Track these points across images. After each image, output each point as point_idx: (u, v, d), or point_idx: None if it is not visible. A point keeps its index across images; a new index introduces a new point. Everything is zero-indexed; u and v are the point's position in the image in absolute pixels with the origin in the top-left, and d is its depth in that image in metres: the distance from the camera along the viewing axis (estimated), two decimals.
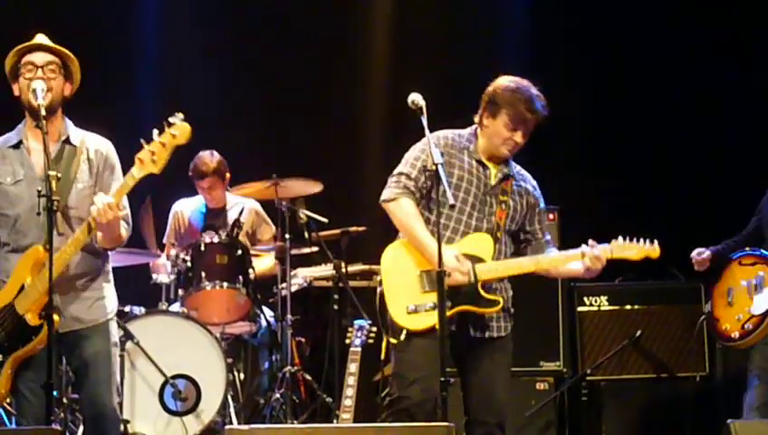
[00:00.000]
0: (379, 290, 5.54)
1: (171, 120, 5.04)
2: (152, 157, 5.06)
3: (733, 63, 8.41)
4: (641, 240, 5.54)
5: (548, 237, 5.74)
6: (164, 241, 8.19)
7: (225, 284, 7.55)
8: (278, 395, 7.53)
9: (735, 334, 6.12)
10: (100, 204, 5.08)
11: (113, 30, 8.99)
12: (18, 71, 5.30)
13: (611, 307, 7.58)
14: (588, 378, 7.47)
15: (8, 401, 6.19)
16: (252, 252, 7.79)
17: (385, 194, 5.59)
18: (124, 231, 5.33)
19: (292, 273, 7.74)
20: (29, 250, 5.19)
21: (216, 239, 7.64)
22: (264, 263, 8.03)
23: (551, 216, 7.54)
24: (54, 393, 5.30)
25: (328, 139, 8.64)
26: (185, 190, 8.08)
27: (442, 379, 5.06)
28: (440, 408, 5.15)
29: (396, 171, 5.60)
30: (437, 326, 5.20)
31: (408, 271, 5.46)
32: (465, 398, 5.54)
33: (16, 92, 5.33)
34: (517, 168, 5.66)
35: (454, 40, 9.13)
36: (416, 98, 5.39)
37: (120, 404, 6.94)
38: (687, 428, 7.12)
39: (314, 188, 7.73)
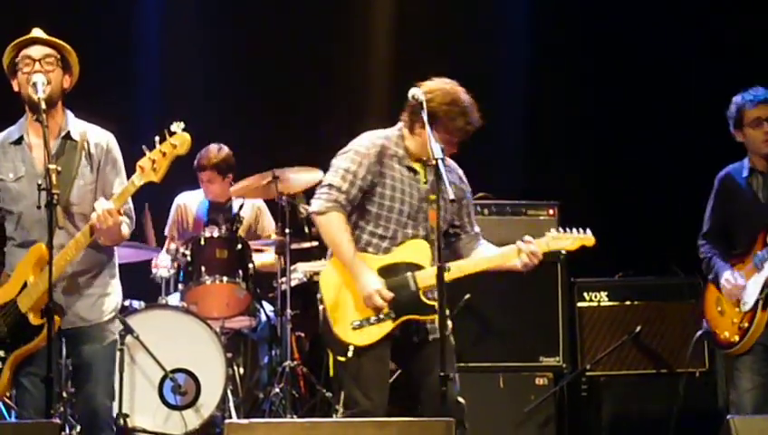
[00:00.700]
0: (321, 309, 5.53)
1: (173, 128, 5.08)
2: (153, 165, 5.09)
3: (734, 62, 8.40)
4: (576, 230, 5.56)
5: (477, 230, 5.72)
6: (165, 233, 8.20)
7: (225, 278, 7.56)
8: (277, 390, 7.53)
9: (736, 338, 6.09)
10: (100, 210, 5.09)
11: (113, 23, 8.98)
12: (16, 66, 5.31)
13: (611, 303, 7.58)
14: (587, 373, 7.47)
15: (7, 394, 6.21)
16: (252, 246, 7.80)
17: (314, 205, 5.55)
18: (126, 228, 5.34)
19: (292, 267, 7.74)
20: (32, 248, 5.20)
21: (215, 234, 7.64)
22: (265, 256, 8.03)
23: (550, 211, 7.54)
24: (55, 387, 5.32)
25: (327, 131, 8.63)
26: (186, 183, 8.07)
27: (441, 374, 5.06)
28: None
29: (326, 181, 5.54)
30: (382, 338, 5.32)
31: (349, 286, 5.44)
32: (418, 401, 5.51)
33: (16, 88, 5.34)
34: (446, 161, 5.58)
35: (455, 29, 9.12)
36: (416, 92, 5.39)
37: (120, 398, 6.98)
38: (687, 424, 7.11)
39: (315, 177, 7.69)
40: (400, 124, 5.58)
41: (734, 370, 6.16)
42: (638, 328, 7.44)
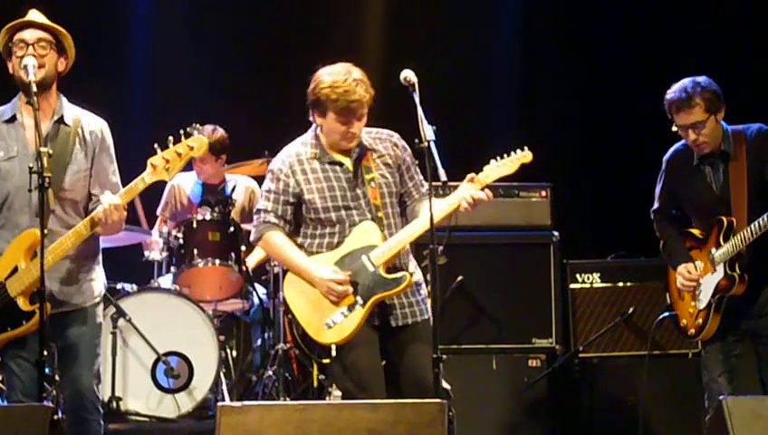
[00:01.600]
0: (294, 322, 5.57)
1: (189, 130, 5.15)
2: (166, 164, 5.13)
3: (734, 62, 8.42)
4: (512, 153, 5.58)
5: (424, 189, 5.65)
6: (157, 213, 8.18)
7: (218, 261, 7.56)
8: (270, 372, 7.54)
9: (692, 331, 6.08)
10: (106, 204, 5.10)
11: (106, 7, 8.95)
12: (11, 49, 5.29)
13: (604, 284, 7.58)
14: (580, 355, 7.47)
15: (0, 378, 6.21)
16: (245, 229, 7.80)
17: (252, 235, 5.68)
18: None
19: None
20: (24, 233, 5.19)
21: (208, 216, 7.64)
22: (257, 254, 7.99)
23: (542, 193, 7.53)
24: (47, 370, 5.32)
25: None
26: None
27: (434, 356, 5.07)
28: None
29: (255, 208, 5.67)
30: (358, 327, 5.33)
31: (311, 292, 5.46)
32: (395, 387, 5.49)
33: (11, 70, 5.33)
34: (370, 133, 5.60)
35: (448, 17, 9.11)
36: (408, 74, 5.38)
37: (113, 381, 6.99)
38: (680, 405, 7.13)
39: None
40: (314, 125, 5.60)
41: (703, 353, 6.13)
42: (631, 310, 7.44)
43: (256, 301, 7.90)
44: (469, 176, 5.49)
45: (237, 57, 9.14)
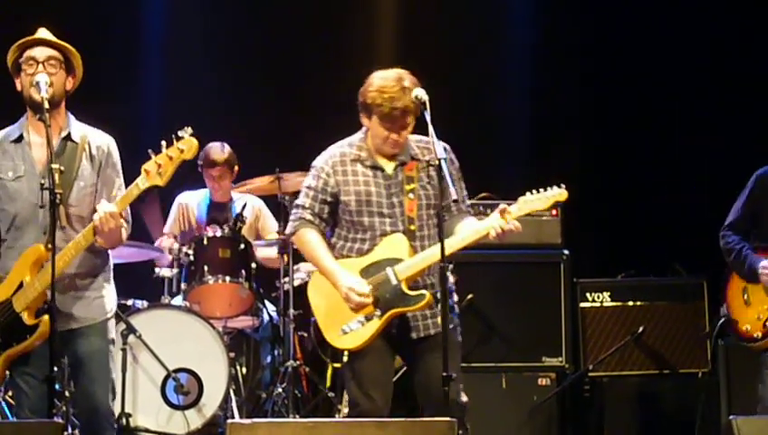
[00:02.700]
0: (312, 321, 5.60)
1: (180, 133, 5.09)
2: (158, 169, 5.10)
3: (735, 60, 8.41)
4: (548, 189, 5.52)
5: (465, 205, 5.64)
6: (165, 231, 8.19)
7: (228, 278, 7.56)
8: (280, 389, 7.54)
9: (758, 334, 6.07)
10: (102, 212, 5.10)
11: (118, 24, 8.98)
12: (20, 66, 5.31)
13: (614, 303, 7.58)
14: (590, 374, 7.47)
15: (10, 394, 6.21)
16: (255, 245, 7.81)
17: (288, 229, 5.69)
18: (124, 232, 5.35)
19: (295, 267, 7.74)
20: (30, 248, 5.19)
21: (218, 233, 7.65)
22: (267, 250, 8.01)
23: (553, 212, 7.53)
24: (57, 387, 5.32)
25: (330, 133, 8.63)
26: (186, 182, 8.07)
27: (444, 374, 5.06)
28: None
29: (295, 203, 5.68)
30: (373, 337, 5.34)
31: (333, 296, 5.47)
32: (417, 396, 5.52)
33: (19, 87, 5.33)
34: (420, 141, 5.55)
35: (458, 30, 9.12)
36: (419, 93, 5.38)
37: (122, 398, 6.99)
38: (690, 424, 7.11)
39: None
40: (364, 127, 5.60)
41: (763, 367, 6.11)
42: (641, 329, 7.43)
43: (266, 318, 7.90)
44: (501, 207, 5.44)
45: (249, 73, 9.15)
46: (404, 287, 5.40)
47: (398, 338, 5.48)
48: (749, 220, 6.27)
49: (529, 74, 9.24)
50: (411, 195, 5.48)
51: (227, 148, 8.04)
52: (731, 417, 4.81)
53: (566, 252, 7.45)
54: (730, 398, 6.89)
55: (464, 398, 5.42)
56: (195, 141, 5.08)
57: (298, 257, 7.80)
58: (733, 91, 6.54)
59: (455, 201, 5.31)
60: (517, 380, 7.33)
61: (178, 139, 5.07)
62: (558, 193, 5.53)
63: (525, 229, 7.28)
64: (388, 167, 5.53)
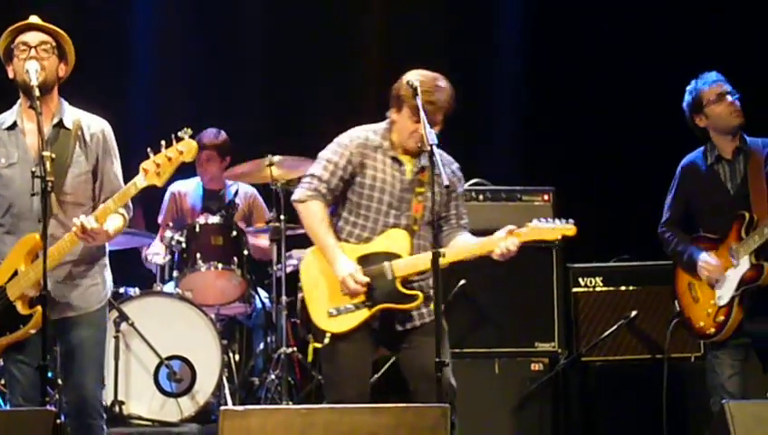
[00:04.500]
0: (300, 296, 5.60)
1: (180, 134, 5.09)
2: (157, 169, 5.10)
3: (736, 61, 8.41)
4: (557, 220, 5.56)
5: (463, 222, 5.73)
6: (159, 221, 8.19)
7: (221, 265, 7.57)
8: (273, 376, 7.54)
9: (712, 330, 6.12)
10: (76, 228, 5.07)
11: (107, 11, 8.96)
12: (12, 52, 5.29)
13: (606, 288, 7.58)
14: (583, 359, 7.47)
15: (2, 381, 6.21)
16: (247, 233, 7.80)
17: (296, 194, 5.65)
18: (122, 220, 5.34)
19: (287, 254, 7.74)
20: (24, 237, 5.19)
21: (211, 220, 7.65)
22: (261, 241, 8.02)
23: (545, 197, 7.52)
24: (49, 374, 5.32)
25: (323, 119, 8.63)
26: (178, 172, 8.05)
27: (437, 359, 5.08)
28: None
29: (309, 171, 5.63)
30: (358, 326, 5.40)
31: (327, 275, 5.50)
32: (409, 386, 5.56)
33: (11, 74, 5.32)
34: (440, 155, 5.54)
35: (450, 19, 9.11)
36: (411, 78, 5.40)
37: (115, 385, 6.99)
38: (682, 409, 7.12)
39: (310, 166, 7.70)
40: (388, 118, 5.61)
41: (711, 356, 6.18)
42: (634, 313, 7.43)
43: (259, 305, 7.90)
44: (509, 228, 5.48)
45: (241, 58, 9.14)
46: (398, 284, 5.44)
47: (381, 331, 5.52)
48: (683, 212, 6.34)
49: (519, 65, 9.24)
50: (420, 197, 5.54)
51: (223, 134, 8.06)
52: (723, 401, 4.83)
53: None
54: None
55: (453, 381, 5.45)
56: (194, 143, 5.10)
57: (290, 244, 7.82)
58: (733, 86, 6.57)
59: (447, 187, 5.29)
60: (510, 365, 7.33)
61: (178, 139, 5.08)
62: (566, 228, 5.56)
63: (517, 215, 7.31)
64: (408, 166, 5.56)
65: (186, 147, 5.08)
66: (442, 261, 5.26)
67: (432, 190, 5.31)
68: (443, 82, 5.49)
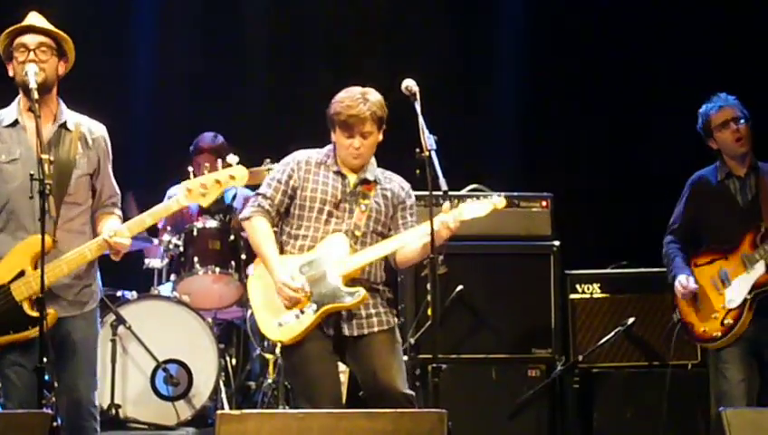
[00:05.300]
0: (249, 313, 5.68)
1: (229, 160, 5.29)
2: (203, 190, 5.26)
3: (736, 61, 8.42)
4: (487, 197, 5.66)
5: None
6: (158, 225, 8.17)
7: (218, 269, 7.57)
8: (270, 380, 7.54)
9: (718, 333, 6.16)
10: (115, 241, 5.22)
11: (110, 12, 8.96)
12: (12, 53, 5.29)
13: (604, 295, 7.58)
14: (580, 365, 7.47)
15: None
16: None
17: (243, 212, 5.81)
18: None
19: None
20: (29, 239, 5.18)
21: (208, 224, 7.65)
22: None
23: (543, 203, 7.52)
24: (46, 377, 5.31)
25: (321, 126, 8.64)
26: (172, 177, 8.05)
27: (434, 365, 5.08)
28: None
29: (257, 191, 5.77)
30: (307, 332, 5.44)
31: (272, 288, 5.56)
32: (364, 391, 5.62)
33: (11, 74, 5.32)
34: (384, 173, 5.77)
35: (450, 29, 9.12)
36: (409, 83, 5.44)
37: (112, 389, 6.98)
38: (679, 416, 7.12)
39: None
40: (332, 143, 5.74)
41: (718, 362, 6.21)
42: (631, 320, 7.43)
43: None
44: (445, 205, 5.51)
45: (242, 64, 9.15)
46: (341, 284, 5.50)
47: (335, 338, 5.55)
48: (690, 221, 6.48)
49: (519, 70, 9.24)
50: (363, 207, 5.64)
51: (220, 138, 8.05)
52: (720, 409, 4.83)
53: (556, 243, 7.43)
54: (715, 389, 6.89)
55: (407, 390, 5.47)
56: (246, 171, 5.32)
57: None
58: (730, 87, 6.54)
59: (445, 192, 5.30)
60: (507, 371, 7.33)
61: (226, 165, 5.24)
62: (498, 201, 5.66)
63: (515, 221, 7.35)
64: (351, 178, 5.67)
65: (238, 174, 5.30)
66: (385, 252, 5.48)
67: (430, 193, 5.30)
68: (369, 95, 5.59)
